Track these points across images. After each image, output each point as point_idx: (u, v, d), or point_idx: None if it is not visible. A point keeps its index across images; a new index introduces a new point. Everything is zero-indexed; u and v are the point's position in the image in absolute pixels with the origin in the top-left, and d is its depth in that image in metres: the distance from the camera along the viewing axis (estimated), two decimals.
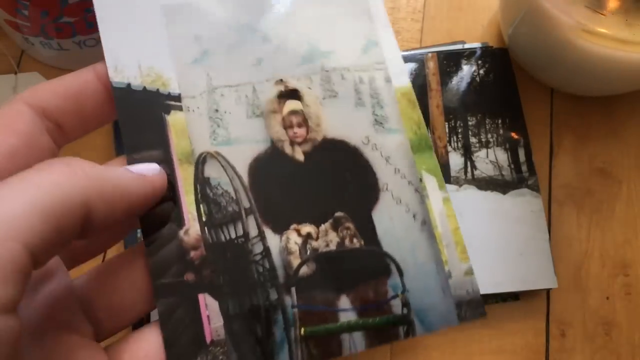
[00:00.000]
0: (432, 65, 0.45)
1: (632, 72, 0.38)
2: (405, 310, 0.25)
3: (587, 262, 0.42)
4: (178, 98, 0.25)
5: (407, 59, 0.45)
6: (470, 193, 0.42)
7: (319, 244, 0.25)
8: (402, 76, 0.28)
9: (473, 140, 0.43)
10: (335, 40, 0.27)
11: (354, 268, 0.25)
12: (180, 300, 0.23)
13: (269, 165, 0.25)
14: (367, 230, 0.25)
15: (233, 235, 0.25)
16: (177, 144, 0.25)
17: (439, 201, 0.26)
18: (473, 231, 0.40)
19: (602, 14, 0.36)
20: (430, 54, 0.45)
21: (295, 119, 0.26)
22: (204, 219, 0.24)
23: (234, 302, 0.24)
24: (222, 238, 0.24)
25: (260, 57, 0.26)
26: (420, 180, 0.26)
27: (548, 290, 0.41)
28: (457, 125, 0.43)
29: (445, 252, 0.26)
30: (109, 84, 0.24)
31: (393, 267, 0.25)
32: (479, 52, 0.45)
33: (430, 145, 0.27)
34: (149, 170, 0.23)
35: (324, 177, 0.26)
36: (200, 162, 0.25)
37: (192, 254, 0.24)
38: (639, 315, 0.41)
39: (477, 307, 0.25)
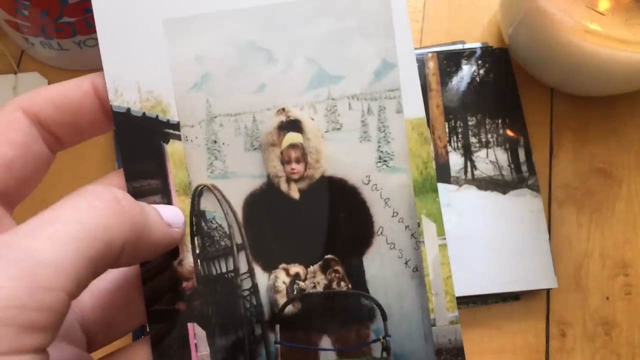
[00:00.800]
0: (432, 65, 0.45)
1: (632, 72, 0.38)
2: (384, 354, 0.25)
3: (587, 262, 0.42)
4: (177, 126, 0.25)
5: None
6: (470, 193, 0.42)
7: (306, 285, 0.25)
8: (416, 105, 0.26)
9: (473, 140, 0.43)
10: (346, 61, 0.25)
11: (338, 311, 0.25)
12: (171, 327, 0.25)
13: (264, 202, 0.25)
14: (356, 274, 0.25)
15: (224, 270, 0.25)
16: (175, 175, 0.25)
17: (434, 248, 0.26)
18: (473, 231, 0.40)
19: (602, 14, 0.36)
20: (430, 54, 0.45)
21: (294, 154, 0.25)
22: (197, 251, 0.25)
23: (221, 334, 0.25)
24: (214, 271, 0.25)
25: (263, 82, 0.25)
26: (419, 224, 0.25)
27: (548, 290, 0.41)
28: (457, 125, 0.43)
29: (433, 300, 0.25)
30: (105, 99, 0.24)
31: (377, 312, 0.25)
32: (479, 52, 0.45)
33: (435, 188, 0.26)
34: (176, 220, 0.24)
35: (318, 218, 0.25)
36: (197, 194, 0.25)
37: (184, 284, 0.25)
38: (639, 315, 0.41)
39: (457, 356, 0.26)
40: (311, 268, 0.25)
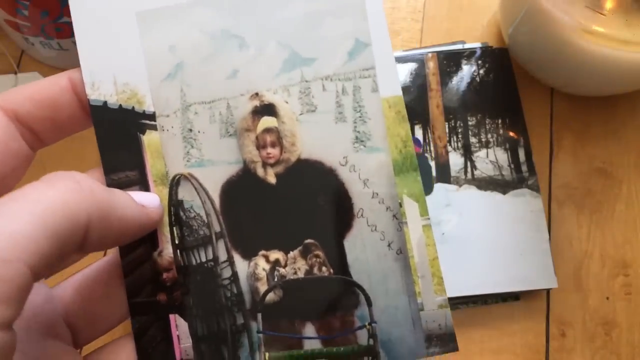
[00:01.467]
0: (432, 65, 0.45)
1: (632, 72, 0.38)
2: (371, 342, 0.24)
3: (587, 262, 0.42)
4: (153, 117, 0.25)
5: (407, 59, 0.45)
6: (470, 193, 0.42)
7: (286, 271, 0.25)
8: (392, 83, 0.25)
9: (473, 140, 0.43)
10: (319, 43, 0.25)
11: (321, 297, 0.25)
12: (153, 319, 0.24)
13: (241, 189, 0.25)
14: (337, 258, 0.25)
15: (203, 259, 0.25)
16: (153, 165, 0.25)
17: (418, 229, 0.25)
18: (473, 231, 0.40)
19: (602, 14, 0.36)
20: (430, 54, 0.45)
21: (269, 138, 0.25)
22: (176, 241, 0.25)
23: (203, 324, 0.25)
24: (193, 261, 0.25)
25: (236, 68, 0.25)
26: (401, 205, 0.25)
27: (548, 290, 0.41)
28: (457, 125, 0.43)
29: (419, 283, 0.25)
30: (82, 94, 0.24)
31: (361, 298, 0.25)
32: (479, 52, 0.45)
33: (415, 166, 0.25)
34: (151, 202, 0.24)
35: (296, 202, 0.25)
36: (174, 184, 0.25)
37: (165, 275, 0.25)
38: (639, 315, 0.41)
39: (449, 342, 0.25)
40: (291, 254, 0.25)
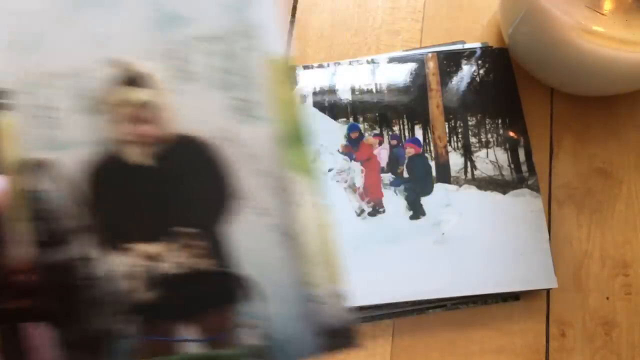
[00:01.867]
0: (432, 65, 0.45)
1: (632, 72, 0.38)
2: (259, 341, 0.22)
3: (587, 262, 0.42)
4: (5, 95, 0.22)
5: (407, 59, 0.45)
6: (470, 193, 0.42)
7: (163, 267, 0.22)
8: (274, 42, 0.22)
9: (473, 140, 0.43)
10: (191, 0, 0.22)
11: (202, 293, 0.22)
12: (12, 329, 0.21)
13: (109, 173, 0.22)
14: (221, 248, 0.22)
15: (68, 257, 0.22)
16: (5, 151, 0.22)
17: (310, 208, 0.22)
18: (473, 231, 0.40)
19: (602, 14, 0.36)
20: (430, 54, 0.45)
21: (139, 113, 0.22)
22: (35, 238, 0.21)
23: (72, 331, 0.22)
24: (56, 259, 0.22)
25: (95, 32, 0.21)
26: (289, 182, 0.22)
27: (548, 290, 0.41)
28: (457, 125, 0.43)
29: (313, 272, 0.22)
30: None
31: (249, 292, 0.22)
32: (479, 52, 0.45)
33: (303, 135, 0.22)
34: None
35: (172, 185, 0.22)
36: (30, 172, 0.21)
37: (22, 277, 0.21)
38: (639, 315, 0.41)
39: (346, 336, 0.22)
40: (168, 246, 0.22)
